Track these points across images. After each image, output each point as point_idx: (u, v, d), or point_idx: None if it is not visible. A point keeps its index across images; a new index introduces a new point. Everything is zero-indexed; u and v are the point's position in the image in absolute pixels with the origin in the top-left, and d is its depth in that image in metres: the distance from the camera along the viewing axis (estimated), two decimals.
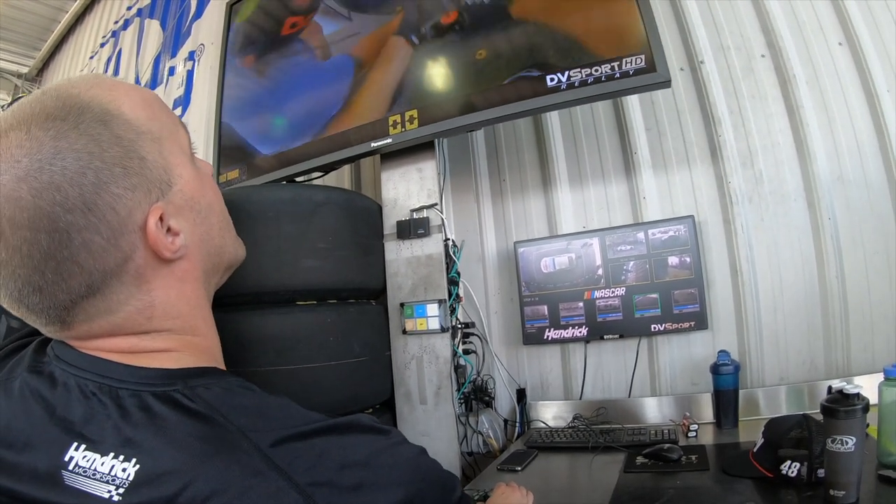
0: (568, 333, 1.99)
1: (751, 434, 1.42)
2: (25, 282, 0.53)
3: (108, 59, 4.29)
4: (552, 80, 1.58)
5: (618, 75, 1.51)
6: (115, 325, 0.57)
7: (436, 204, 1.87)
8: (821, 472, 1.08)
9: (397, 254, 1.91)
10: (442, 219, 1.87)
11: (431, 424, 1.80)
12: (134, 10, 4.16)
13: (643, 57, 1.48)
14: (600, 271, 1.96)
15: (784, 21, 1.80)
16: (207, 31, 3.38)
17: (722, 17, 1.90)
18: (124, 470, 0.48)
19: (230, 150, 2.35)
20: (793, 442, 1.19)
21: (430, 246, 1.86)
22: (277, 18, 2.29)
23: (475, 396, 1.95)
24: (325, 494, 0.49)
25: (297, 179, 2.18)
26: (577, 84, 1.55)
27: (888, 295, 1.66)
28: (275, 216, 1.70)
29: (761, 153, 1.83)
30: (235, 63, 2.42)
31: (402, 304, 1.87)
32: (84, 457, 0.50)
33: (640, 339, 1.93)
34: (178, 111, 3.53)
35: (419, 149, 1.90)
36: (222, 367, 0.66)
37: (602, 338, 1.95)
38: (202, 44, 3.44)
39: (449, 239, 1.91)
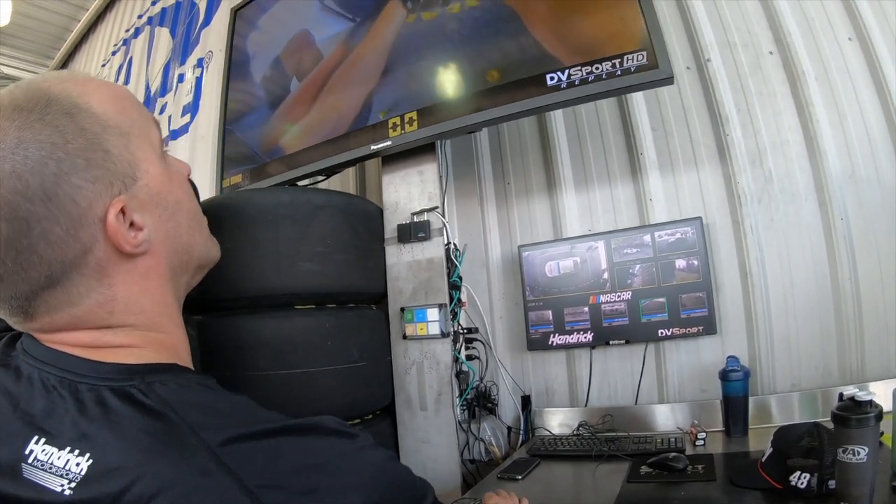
0: (573, 339, 1.94)
1: (761, 443, 1.36)
2: None
3: (120, 67, 4.33)
4: (552, 78, 1.55)
5: (619, 73, 1.47)
6: (76, 317, 0.57)
7: (437, 207, 1.84)
8: (832, 484, 1.02)
9: (398, 258, 1.89)
10: (443, 222, 1.84)
11: (432, 431, 1.77)
12: (144, 19, 4.20)
13: (645, 53, 1.44)
14: (606, 275, 1.92)
15: (792, 16, 1.76)
16: (216, 38, 3.39)
17: (728, 14, 1.86)
18: (78, 464, 0.48)
19: (233, 155, 2.35)
20: (803, 451, 1.14)
21: (431, 250, 1.83)
22: None
23: (478, 403, 1.91)
24: (275, 497, 0.47)
25: (303, 184, 2.17)
26: (577, 82, 1.52)
27: None
28: (273, 220, 1.69)
29: (770, 151, 1.78)
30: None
31: (402, 309, 1.84)
32: (43, 450, 0.50)
33: (646, 344, 1.88)
34: (186, 118, 3.56)
35: (420, 151, 1.88)
36: (188, 365, 0.65)
37: (608, 343, 1.90)
38: (210, 50, 3.46)
39: (450, 243, 1.88)
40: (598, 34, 1.53)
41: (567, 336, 1.95)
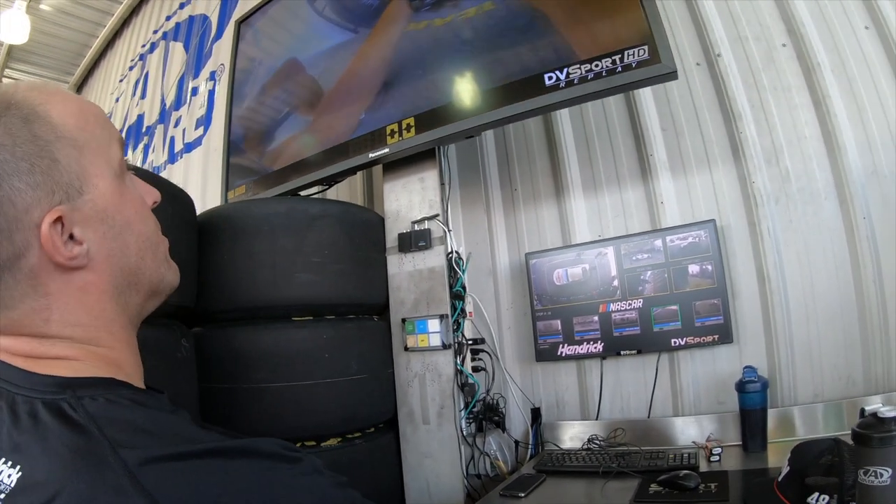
0: (582, 349, 1.87)
1: (781, 458, 1.26)
2: None
3: (136, 82, 4.41)
4: (550, 78, 1.49)
5: (619, 69, 1.41)
6: (13, 321, 0.57)
7: (437, 215, 1.80)
8: None
9: (399, 267, 1.84)
10: (444, 230, 1.79)
11: (434, 446, 1.71)
12: (159, 34, 4.27)
13: (646, 48, 1.38)
14: (616, 282, 1.84)
15: (805, 6, 1.68)
16: (227, 51, 3.40)
17: (738, 7, 1.78)
18: (9, 476, 0.48)
19: (238, 167, 2.34)
20: (822, 469, 1.05)
21: (432, 259, 1.78)
22: None
23: (485, 416, 1.84)
24: None
25: (309, 193, 2.15)
26: (576, 81, 1.46)
27: None
28: (269, 230, 1.67)
29: (787, 149, 1.69)
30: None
31: (403, 320, 1.80)
32: None
33: (659, 354, 1.79)
34: (199, 131, 3.59)
35: (420, 158, 1.84)
36: (135, 382, 0.63)
37: (619, 354, 1.83)
38: (222, 63, 3.49)
39: (453, 251, 1.83)
40: (596, 30, 1.47)
41: (576, 346, 1.88)
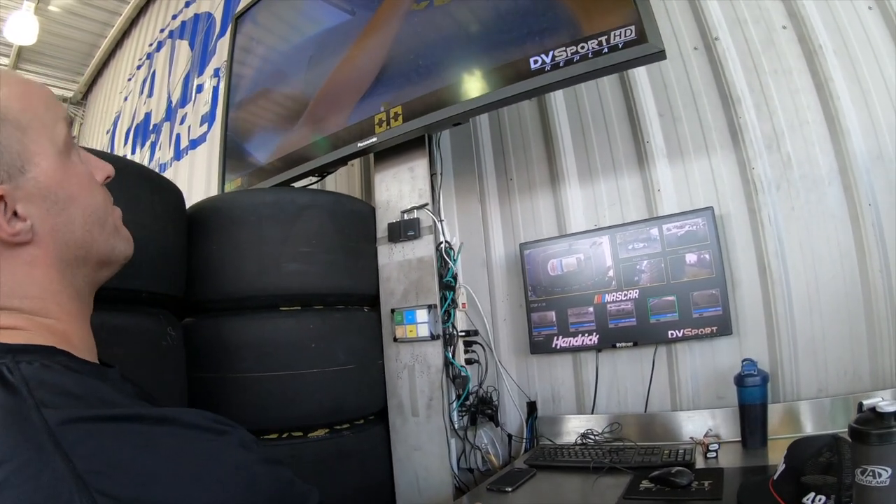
0: (577, 341, 1.82)
1: (781, 456, 1.21)
2: None
3: (144, 80, 4.45)
4: (535, 61, 1.45)
5: (606, 50, 1.36)
6: None
7: (426, 204, 1.76)
8: None
9: (389, 258, 1.81)
10: (433, 220, 1.76)
11: (423, 438, 1.68)
12: (166, 33, 4.30)
13: (633, 28, 1.33)
14: (611, 272, 1.79)
15: None
16: None
17: None
18: None
19: (234, 160, 2.33)
20: (820, 467, 0.99)
21: (421, 248, 1.75)
22: None
23: (478, 409, 1.80)
24: (105, 484, 0.46)
25: (303, 184, 2.13)
26: (562, 64, 1.41)
27: None
28: (256, 220, 1.65)
29: (788, 134, 1.63)
30: None
31: (392, 310, 1.76)
32: None
33: (656, 346, 1.74)
34: (204, 128, 3.60)
35: (410, 147, 1.81)
36: (80, 352, 0.64)
37: (615, 346, 1.77)
38: (226, 60, 3.48)
39: (443, 241, 1.79)
40: (583, 11, 1.42)
41: (571, 339, 1.83)
